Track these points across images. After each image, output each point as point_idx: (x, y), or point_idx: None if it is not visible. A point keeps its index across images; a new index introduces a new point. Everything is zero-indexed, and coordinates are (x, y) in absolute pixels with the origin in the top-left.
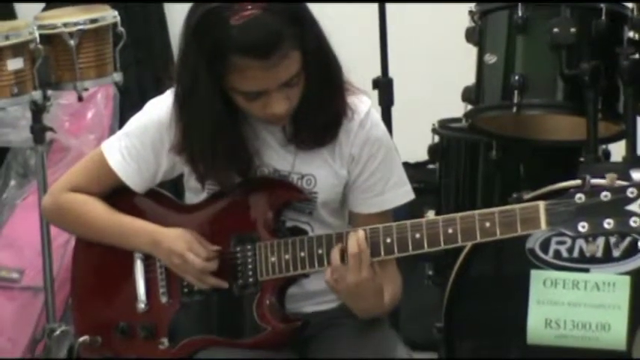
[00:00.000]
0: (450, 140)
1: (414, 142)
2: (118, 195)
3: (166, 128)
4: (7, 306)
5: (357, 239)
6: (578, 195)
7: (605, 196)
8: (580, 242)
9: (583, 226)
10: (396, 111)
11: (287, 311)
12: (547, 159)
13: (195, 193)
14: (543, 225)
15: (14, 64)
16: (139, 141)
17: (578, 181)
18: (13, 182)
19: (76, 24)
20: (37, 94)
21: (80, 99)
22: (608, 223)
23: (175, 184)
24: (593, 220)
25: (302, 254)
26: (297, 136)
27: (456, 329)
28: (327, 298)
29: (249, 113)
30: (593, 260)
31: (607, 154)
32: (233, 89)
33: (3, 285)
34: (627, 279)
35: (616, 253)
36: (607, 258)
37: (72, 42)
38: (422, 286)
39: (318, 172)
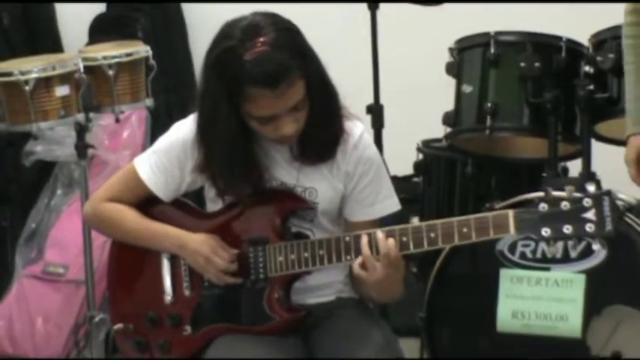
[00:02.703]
0: (431, 157)
1: (402, 158)
2: (148, 204)
3: (189, 147)
4: (54, 296)
5: (387, 240)
6: (542, 204)
7: (565, 205)
8: (542, 245)
9: (546, 231)
10: (386, 132)
11: (292, 303)
12: (515, 174)
13: (214, 202)
14: (512, 230)
15: (61, 90)
16: (166, 157)
17: (541, 193)
18: (59, 191)
19: (114, 57)
20: (80, 117)
21: (117, 120)
22: (567, 229)
23: (198, 194)
24: (554, 226)
25: (305, 255)
26: (303, 153)
27: (436, 318)
28: (326, 291)
29: (261, 135)
30: (554, 260)
31: (565, 170)
32: (248, 115)
33: (50, 278)
34: (583, 277)
35: (573, 254)
36: (565, 259)
37: (110, 72)
38: (407, 281)
39: (319, 186)
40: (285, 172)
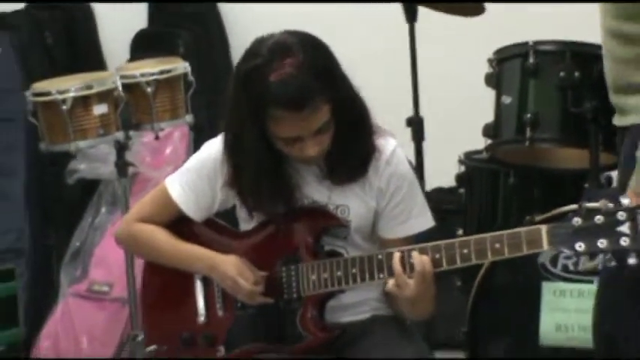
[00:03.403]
0: (473, 169)
1: (444, 170)
2: (180, 223)
3: (220, 165)
4: (99, 315)
5: (423, 259)
6: (576, 219)
7: (599, 219)
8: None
9: (580, 246)
10: (427, 144)
11: (326, 322)
12: (559, 184)
13: (246, 221)
14: (545, 245)
15: (100, 109)
16: (197, 176)
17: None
18: (104, 209)
19: (152, 74)
20: (119, 135)
21: (157, 138)
22: (602, 243)
23: (231, 214)
24: (588, 240)
25: (338, 273)
26: (332, 173)
27: (479, 332)
28: (361, 309)
29: (287, 154)
30: (595, 273)
31: (610, 180)
32: (273, 135)
33: (95, 297)
34: None
35: None
36: None
37: (149, 89)
38: (452, 295)
39: (352, 203)
40: (317, 191)
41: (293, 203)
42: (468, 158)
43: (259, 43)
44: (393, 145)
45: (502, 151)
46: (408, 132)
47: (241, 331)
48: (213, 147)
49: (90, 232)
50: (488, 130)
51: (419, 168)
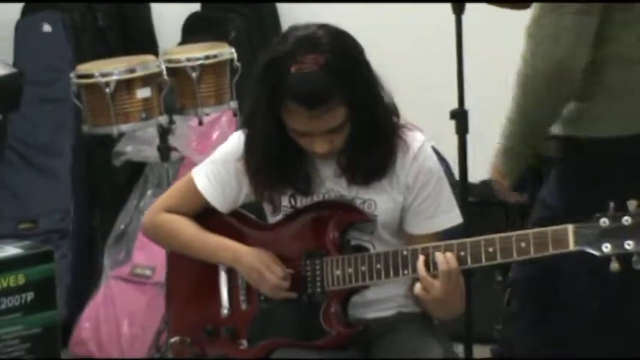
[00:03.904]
0: None
1: (487, 164)
2: (206, 214)
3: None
4: (141, 299)
5: (446, 256)
6: (603, 219)
7: (626, 220)
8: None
9: (606, 247)
10: (471, 137)
11: (350, 317)
12: None
13: (272, 213)
14: (571, 245)
15: (143, 92)
16: (224, 167)
17: None
18: (149, 192)
19: (197, 59)
20: (162, 119)
21: (200, 123)
22: (629, 244)
23: (259, 206)
24: (615, 241)
25: (363, 268)
26: (346, 172)
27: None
28: (386, 305)
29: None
30: None
31: None
32: (286, 124)
33: (137, 280)
34: None
35: None
36: None
37: (194, 74)
38: (492, 290)
39: (378, 198)
40: (339, 185)
41: (310, 193)
42: None
43: (292, 30)
44: (420, 140)
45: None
46: (452, 124)
47: (264, 325)
48: (240, 139)
49: (135, 214)
50: None
51: (462, 161)
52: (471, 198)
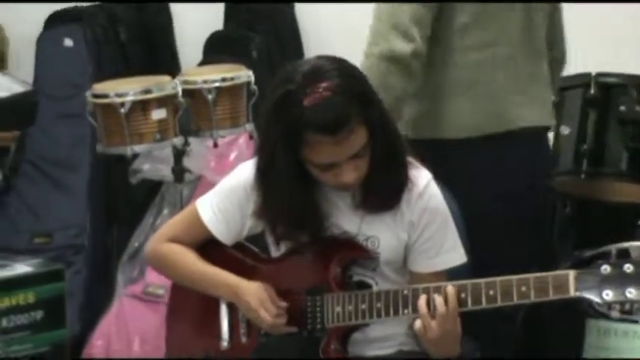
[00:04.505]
0: None
1: None
2: (209, 245)
3: (251, 191)
4: (153, 318)
5: (445, 296)
6: (604, 266)
7: (628, 267)
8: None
9: (607, 294)
10: None
11: (350, 354)
12: (617, 218)
13: (276, 247)
14: (572, 291)
15: (158, 114)
16: (228, 200)
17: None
18: (165, 211)
19: (213, 81)
20: (177, 140)
21: (215, 145)
22: (630, 292)
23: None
24: (616, 289)
25: (363, 306)
26: (365, 201)
27: None
28: (387, 344)
29: (322, 181)
30: None
31: None
32: (308, 161)
33: (150, 299)
34: None
35: None
36: None
37: (210, 97)
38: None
39: (382, 235)
40: (348, 220)
41: (322, 232)
42: None
43: (293, 68)
44: (427, 178)
45: (559, 181)
46: None
47: (263, 359)
48: (246, 171)
49: (150, 233)
50: None
51: None
52: None
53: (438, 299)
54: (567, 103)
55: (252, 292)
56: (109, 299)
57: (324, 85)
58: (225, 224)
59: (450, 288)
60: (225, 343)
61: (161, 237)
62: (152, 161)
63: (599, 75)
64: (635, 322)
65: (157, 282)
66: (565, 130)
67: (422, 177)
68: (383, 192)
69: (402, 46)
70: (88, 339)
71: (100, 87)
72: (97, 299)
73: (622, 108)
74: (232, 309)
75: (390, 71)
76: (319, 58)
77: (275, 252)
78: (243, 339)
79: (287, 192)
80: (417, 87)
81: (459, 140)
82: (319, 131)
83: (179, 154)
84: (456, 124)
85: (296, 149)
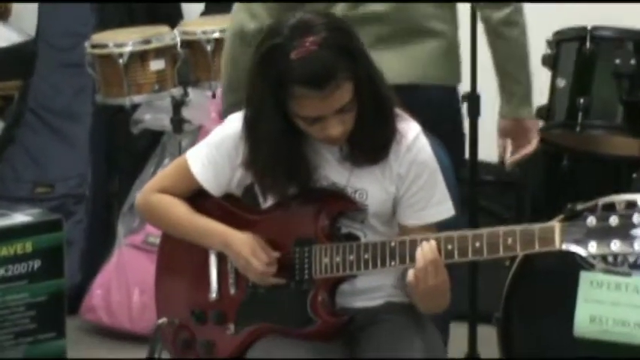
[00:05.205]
0: None
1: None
2: (199, 197)
3: (240, 142)
4: (152, 268)
5: (431, 248)
6: (590, 218)
7: (614, 220)
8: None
9: (592, 246)
10: (482, 121)
11: (338, 306)
12: (612, 171)
13: (265, 199)
14: (557, 244)
15: (157, 64)
16: (217, 151)
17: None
18: (167, 161)
19: (213, 32)
20: (176, 91)
21: (214, 96)
22: (615, 244)
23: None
24: (601, 241)
25: (351, 258)
26: (352, 154)
27: (513, 317)
28: (375, 295)
29: (309, 134)
30: (635, 266)
31: None
32: (294, 114)
33: (150, 249)
34: None
35: None
36: None
37: (208, 47)
38: (500, 270)
39: (370, 188)
40: (337, 172)
41: (310, 184)
42: None
43: (280, 22)
44: (415, 131)
45: (554, 134)
46: (463, 108)
47: (251, 310)
48: (236, 122)
49: None
50: (542, 112)
51: (473, 144)
52: (488, 177)
53: (426, 248)
54: (563, 57)
55: (244, 241)
56: (110, 249)
57: (311, 39)
58: (214, 176)
59: (433, 242)
60: (213, 295)
61: (152, 188)
62: (153, 111)
63: (595, 28)
64: (628, 274)
65: (157, 232)
66: (561, 83)
67: (411, 129)
68: (370, 146)
69: (248, 24)
70: (88, 288)
71: (98, 37)
72: (98, 249)
73: (617, 61)
74: (221, 260)
75: (236, 46)
76: (307, 12)
77: (264, 204)
78: (232, 290)
79: (275, 144)
80: None
81: None
82: (305, 85)
83: (178, 104)
84: None
85: (283, 102)
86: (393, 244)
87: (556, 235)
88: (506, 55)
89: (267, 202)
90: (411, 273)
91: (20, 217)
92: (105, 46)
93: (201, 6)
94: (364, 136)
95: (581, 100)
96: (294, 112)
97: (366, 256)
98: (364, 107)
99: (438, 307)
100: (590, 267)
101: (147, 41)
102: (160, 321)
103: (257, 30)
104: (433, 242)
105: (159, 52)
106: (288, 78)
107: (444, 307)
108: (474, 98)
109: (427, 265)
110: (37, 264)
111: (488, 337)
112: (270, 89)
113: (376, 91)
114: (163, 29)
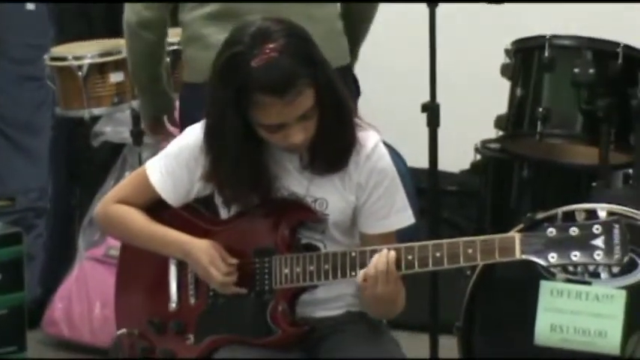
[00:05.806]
0: (489, 159)
1: (457, 157)
2: (158, 207)
3: (199, 154)
4: (114, 281)
5: (386, 258)
6: (550, 229)
7: (574, 231)
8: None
9: (552, 257)
10: (442, 131)
11: (298, 316)
12: (572, 179)
13: (224, 209)
14: (518, 254)
15: (116, 77)
16: (176, 162)
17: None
18: (127, 173)
19: (171, 44)
20: (135, 103)
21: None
22: (575, 255)
23: (211, 199)
24: (562, 252)
25: (311, 268)
26: (312, 163)
27: (473, 326)
28: (335, 304)
29: (271, 143)
30: (595, 275)
31: (627, 177)
32: (256, 123)
33: (111, 262)
34: (623, 292)
35: (615, 269)
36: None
37: (168, 59)
38: (461, 280)
39: (330, 197)
40: (296, 182)
41: (270, 195)
42: (484, 147)
43: (239, 30)
44: (375, 139)
45: (514, 144)
46: (423, 117)
47: (212, 320)
48: (195, 132)
49: None
50: (501, 122)
51: (432, 154)
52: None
53: (381, 259)
54: (522, 65)
55: (203, 249)
56: (71, 262)
57: (271, 46)
58: (172, 186)
59: (392, 252)
60: (173, 305)
61: (111, 198)
62: (114, 124)
63: (554, 37)
64: (588, 283)
65: (118, 245)
66: (520, 92)
67: (370, 138)
68: (330, 154)
69: (130, 17)
70: (49, 302)
71: (57, 50)
72: (59, 262)
73: (576, 70)
74: (181, 270)
75: (127, 37)
76: (265, 19)
77: (224, 214)
78: (192, 300)
79: (235, 154)
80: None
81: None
82: (267, 92)
83: (138, 117)
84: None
85: (244, 111)
86: (353, 254)
87: (516, 246)
88: None
89: (228, 213)
90: (361, 274)
91: None
92: (64, 58)
93: None
94: (325, 143)
95: (540, 109)
96: (256, 120)
97: (326, 267)
98: (325, 113)
99: (387, 313)
100: (550, 276)
101: (106, 53)
102: (120, 332)
103: (138, 23)
104: (393, 254)
105: (118, 65)
106: (250, 86)
107: (393, 315)
108: (433, 108)
109: (377, 274)
110: None
111: (450, 347)
112: (231, 98)
113: (337, 97)
114: (122, 41)
